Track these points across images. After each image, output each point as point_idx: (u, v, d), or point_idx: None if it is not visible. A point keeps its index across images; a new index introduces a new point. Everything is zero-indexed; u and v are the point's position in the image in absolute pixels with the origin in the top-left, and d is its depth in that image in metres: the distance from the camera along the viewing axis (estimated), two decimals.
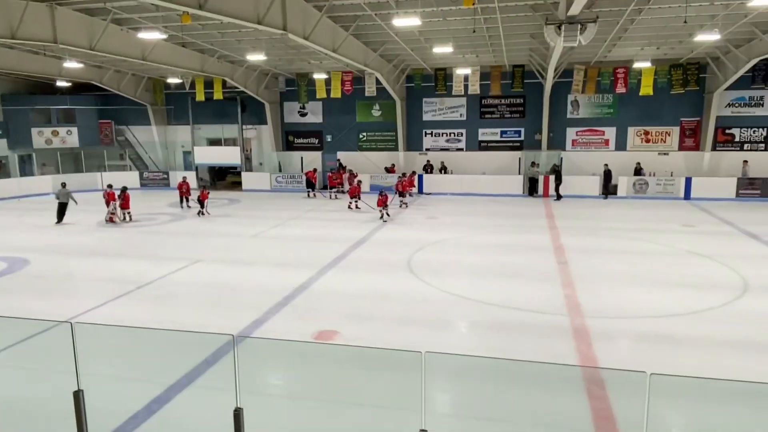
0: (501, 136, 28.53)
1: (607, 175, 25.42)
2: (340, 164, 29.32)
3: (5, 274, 13.16)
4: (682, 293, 11.19)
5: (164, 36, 18.26)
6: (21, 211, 23.12)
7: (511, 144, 28.41)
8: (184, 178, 23.59)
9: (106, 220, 19.62)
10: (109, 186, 20.25)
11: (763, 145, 25.88)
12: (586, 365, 7.87)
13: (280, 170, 30.56)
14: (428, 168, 28.72)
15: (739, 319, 9.78)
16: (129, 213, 20.13)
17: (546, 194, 25.85)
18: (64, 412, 3.95)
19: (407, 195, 23.81)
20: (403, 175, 25.28)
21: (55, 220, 19.70)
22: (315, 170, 27.44)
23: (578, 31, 12.41)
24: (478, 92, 26.69)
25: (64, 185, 20.35)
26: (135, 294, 11.42)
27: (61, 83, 27.64)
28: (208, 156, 30.22)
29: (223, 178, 32.69)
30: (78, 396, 3.72)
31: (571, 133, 27.64)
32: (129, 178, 30.08)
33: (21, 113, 29.19)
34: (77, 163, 30.60)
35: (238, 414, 3.41)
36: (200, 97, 28.80)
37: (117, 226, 19.24)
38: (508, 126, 28.36)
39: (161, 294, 11.53)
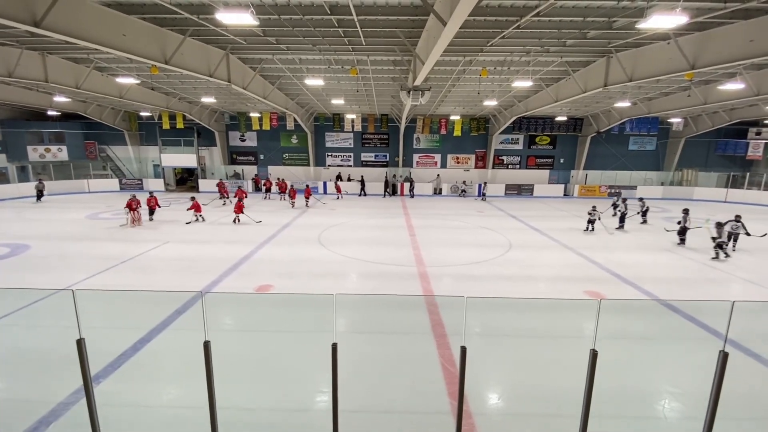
0: (375, 158, 28.95)
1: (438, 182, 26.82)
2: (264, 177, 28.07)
3: (9, 257, 11.00)
4: (477, 250, 11.94)
5: (137, 81, 16.18)
6: (19, 208, 19.33)
7: (381, 163, 28.95)
8: (151, 192, 17.28)
9: (128, 225, 15.13)
10: (133, 196, 15.53)
11: (518, 165, 28.75)
12: (426, 294, 8.21)
13: (227, 178, 28.46)
14: (339, 177, 27.90)
15: (508, 264, 10.66)
16: (150, 218, 16.14)
17: (402, 194, 26.67)
18: (69, 357, 3.46)
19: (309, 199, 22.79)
20: (307, 186, 24.48)
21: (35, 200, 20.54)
22: (222, 180, 24.29)
23: (420, 95, 12.81)
24: (360, 130, 26.86)
25: (40, 181, 21.60)
26: (119, 267, 10.14)
27: (52, 112, 23.40)
28: (172, 161, 27.01)
29: (184, 183, 29.76)
30: (80, 343, 3.28)
31: (416, 157, 28.75)
32: (111, 183, 26.49)
33: (18, 134, 24.12)
34: (67, 172, 26.05)
35: (207, 345, 3.21)
36: (166, 126, 25.87)
37: (106, 220, 16.77)
38: (379, 151, 28.83)
39: (140, 266, 10.34)
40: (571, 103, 20.99)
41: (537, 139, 28.31)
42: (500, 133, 27.38)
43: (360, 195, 25.85)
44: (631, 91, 18.71)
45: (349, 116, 25.82)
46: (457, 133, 26.78)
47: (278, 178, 25.14)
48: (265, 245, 12.50)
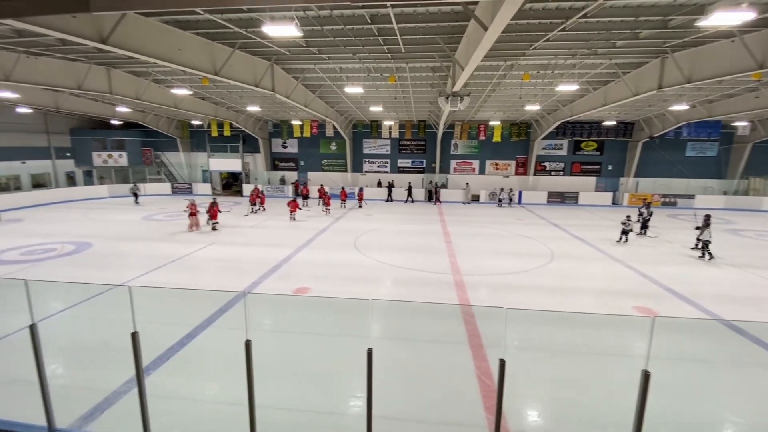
0: (412, 164, 28.91)
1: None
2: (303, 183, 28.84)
3: (74, 253, 12.10)
4: (516, 259, 11.55)
5: (190, 92, 17.25)
6: (85, 209, 21.15)
7: (417, 169, 28.87)
8: (214, 199, 16.47)
9: (188, 229, 15.30)
10: (192, 201, 15.80)
11: (562, 171, 27.62)
12: (463, 303, 8.05)
13: (268, 183, 29.56)
14: (380, 184, 27.84)
15: (549, 275, 10.22)
16: (216, 223, 15.51)
17: (438, 201, 26.44)
18: (122, 349, 3.70)
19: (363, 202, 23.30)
20: (361, 189, 24.72)
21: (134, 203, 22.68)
22: (257, 187, 24.18)
23: (459, 101, 12.67)
24: (398, 136, 27.01)
25: (135, 185, 23.87)
26: (169, 266, 10.81)
27: (115, 121, 25.56)
28: (219, 165, 28.55)
29: (230, 188, 31.23)
30: (135, 336, 3.51)
31: (453, 163, 28.42)
32: (164, 187, 28.34)
33: (84, 142, 26.54)
34: (126, 176, 28.32)
35: (248, 344, 3.32)
36: (214, 133, 27.35)
37: (159, 221, 17.93)
38: (416, 158, 28.77)
39: (187, 265, 10.97)
40: (621, 107, 19.93)
41: (583, 145, 27.09)
42: (543, 139, 26.46)
43: (387, 201, 25.91)
44: (689, 94, 17.45)
45: (387, 123, 26.04)
46: (497, 138, 26.20)
47: (321, 186, 25.55)
48: (303, 249, 12.80)
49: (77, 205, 22.79)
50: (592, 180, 27.12)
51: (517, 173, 27.95)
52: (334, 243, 13.67)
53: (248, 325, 3.30)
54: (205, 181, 29.78)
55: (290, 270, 10.52)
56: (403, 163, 28.91)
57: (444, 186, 27.22)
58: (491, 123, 25.24)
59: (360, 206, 22.76)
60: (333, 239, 14.32)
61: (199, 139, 29.85)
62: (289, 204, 18.24)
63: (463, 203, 25.68)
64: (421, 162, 28.71)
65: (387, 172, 29.11)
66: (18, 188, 22.95)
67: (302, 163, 30.00)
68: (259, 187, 26.16)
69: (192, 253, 12.12)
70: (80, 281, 8.86)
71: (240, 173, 29.07)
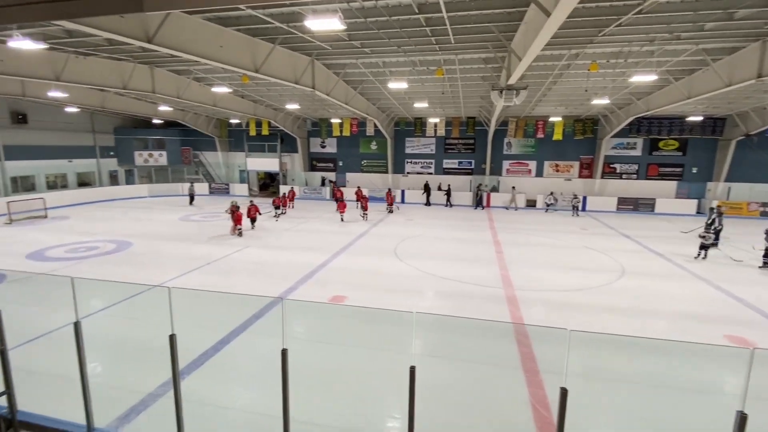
0: (458, 165, 28.55)
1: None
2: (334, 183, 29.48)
3: (115, 252, 13.17)
4: (579, 274, 11.09)
5: (229, 90, 18.19)
6: (125, 208, 22.90)
7: (465, 170, 28.47)
8: (251, 200, 17.99)
9: (236, 233, 15.66)
10: (235, 204, 16.01)
11: (635, 174, 26.09)
12: (516, 322, 7.84)
13: (306, 184, 30.43)
14: (427, 187, 27.15)
15: (619, 293, 9.69)
16: (240, 228, 15.79)
17: (488, 206, 25.85)
18: (158, 350, 3.94)
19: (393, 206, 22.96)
20: (389, 191, 24.84)
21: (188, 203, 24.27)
22: (293, 189, 25.26)
23: (514, 95, 12.37)
24: (443, 134, 26.81)
25: (192, 184, 25.62)
26: (205, 268, 11.43)
27: (156, 120, 27.54)
28: (257, 165, 29.85)
29: (267, 188, 32.48)
30: (172, 339, 3.74)
31: (506, 164, 27.73)
32: (201, 187, 30.03)
33: (127, 141, 28.93)
34: (165, 176, 30.44)
35: (284, 353, 3.41)
36: (252, 132, 28.64)
37: (197, 222, 19.01)
38: (463, 158, 28.39)
39: (223, 268, 11.55)
40: (709, 100, 18.48)
41: (661, 144, 25.40)
42: (612, 137, 25.14)
43: (426, 204, 25.78)
44: None
45: (432, 120, 25.94)
46: (557, 136, 25.23)
47: (358, 188, 25.99)
48: (340, 254, 13.03)
49: (119, 204, 24.81)
50: (672, 185, 25.33)
51: (581, 176, 26.70)
52: (372, 249, 13.79)
53: (285, 333, 3.39)
54: (242, 181, 31.27)
55: (327, 276, 10.74)
56: (449, 163, 28.63)
57: (495, 189, 26.60)
58: (551, 119, 24.35)
59: (390, 211, 22.18)
60: (371, 245, 14.46)
61: (237, 139, 31.41)
62: (337, 202, 18.89)
63: (506, 208, 25.04)
64: (470, 163, 28.29)
65: (431, 173, 28.96)
66: (64, 186, 25.36)
67: (341, 163, 30.61)
68: (295, 189, 27.01)
69: (228, 256, 12.76)
70: (121, 280, 9.57)
71: (277, 173, 30.18)
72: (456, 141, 28.10)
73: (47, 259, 12.24)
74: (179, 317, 4.03)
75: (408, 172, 29.32)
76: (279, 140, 29.64)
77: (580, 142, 26.26)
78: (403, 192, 27.41)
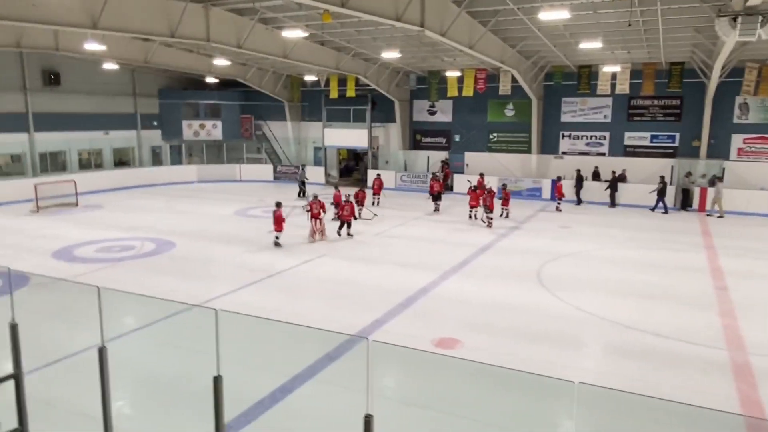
0: (651, 141, 26.45)
1: None
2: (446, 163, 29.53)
3: (154, 254, 14.81)
4: None
5: (305, 34, 19.22)
6: (168, 196, 25.60)
7: (662, 150, 26.25)
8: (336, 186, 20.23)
9: (313, 238, 16.60)
10: (315, 195, 17.13)
11: None
12: (753, 415, 7.00)
13: (405, 169, 30.94)
14: (595, 175, 26.32)
15: None
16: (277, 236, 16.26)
17: (702, 208, 23.43)
18: (202, 392, 4.20)
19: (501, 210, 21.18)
20: (481, 175, 24.21)
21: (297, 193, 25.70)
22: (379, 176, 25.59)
23: (758, 24, 11.16)
24: (627, 92, 25.06)
25: (302, 168, 28.14)
26: (264, 282, 12.24)
27: (210, 80, 30.29)
28: (337, 139, 31.20)
29: (350, 173, 33.74)
30: (218, 381, 4.04)
31: (737, 140, 24.90)
32: (264, 171, 32.30)
33: (174, 107, 32.45)
34: (219, 154, 33.39)
35: (368, 421, 3.39)
36: (333, 94, 29.98)
37: (257, 219, 20.39)
38: (660, 130, 26.22)
39: (287, 284, 12.25)
40: None
41: None
42: None
43: (577, 203, 24.75)
44: None
45: (608, 69, 24.42)
46: None
47: (480, 175, 25.30)
48: (452, 275, 12.98)
49: (161, 190, 28.01)
50: None
51: None
52: (502, 270, 13.56)
53: (370, 391, 3.36)
54: (317, 163, 32.92)
55: (431, 307, 10.75)
56: (633, 138, 26.80)
57: (718, 179, 23.88)
58: None
59: (488, 222, 19.41)
60: (501, 264, 14.23)
61: (312, 104, 33.27)
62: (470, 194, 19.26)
63: (710, 214, 22.67)
64: (670, 138, 26.12)
65: (602, 154, 27.30)
66: (99, 166, 29.37)
67: (457, 138, 30.58)
68: (387, 175, 27.49)
69: (295, 267, 13.52)
70: (157, 293, 10.63)
71: (365, 151, 31.08)
72: (648, 102, 26.22)
73: (75, 260, 14.22)
74: (228, 349, 4.27)
75: (563, 152, 28.09)
76: (369, 104, 30.57)
77: None
78: (554, 183, 26.20)
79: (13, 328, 5.09)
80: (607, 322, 10.11)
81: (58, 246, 15.57)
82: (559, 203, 23.42)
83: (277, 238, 15.97)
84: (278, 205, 15.99)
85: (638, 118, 26.59)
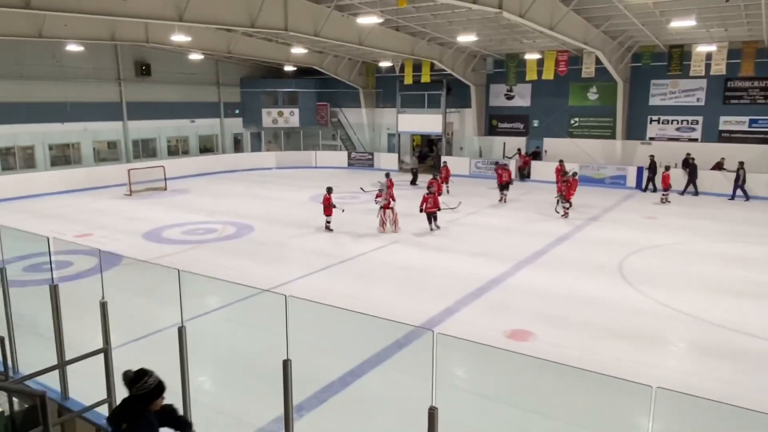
0: (749, 126, 24.61)
1: None
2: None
3: (234, 237, 15.66)
4: None
5: (380, 20, 19.23)
6: (248, 182, 26.62)
7: (762, 136, 24.35)
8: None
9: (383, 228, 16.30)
10: (387, 178, 16.95)
11: None
12: None
13: (480, 156, 30.47)
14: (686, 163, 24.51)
15: None
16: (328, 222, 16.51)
17: None
18: (274, 373, 4.33)
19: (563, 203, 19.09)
20: (570, 174, 20.55)
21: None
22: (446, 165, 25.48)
23: None
24: (724, 73, 23.41)
25: (419, 154, 29.57)
26: (336, 268, 12.57)
27: (288, 68, 31.07)
28: (411, 125, 31.35)
29: (424, 160, 33.61)
30: (287, 365, 4.14)
31: None
32: (338, 158, 32.83)
33: (254, 95, 33.64)
34: (296, 141, 34.46)
35: (432, 414, 3.37)
36: (408, 80, 29.92)
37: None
38: (760, 114, 24.31)
39: (359, 270, 12.51)
40: None
41: None
42: None
43: (683, 193, 23.29)
44: None
45: (703, 48, 22.87)
46: None
47: (559, 162, 24.36)
48: (526, 266, 12.76)
49: (242, 176, 29.29)
50: None
51: None
52: (580, 262, 13.20)
53: (435, 383, 3.34)
54: (390, 150, 33.09)
55: (503, 298, 10.66)
56: (730, 122, 25.01)
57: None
58: None
59: (564, 213, 18.51)
60: (580, 255, 13.88)
61: (386, 90, 33.41)
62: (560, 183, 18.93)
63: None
64: None
65: (695, 139, 25.70)
66: (186, 152, 30.92)
67: (535, 123, 29.76)
68: (453, 162, 27.17)
69: (367, 253, 13.79)
70: (237, 274, 11.11)
71: (439, 137, 30.89)
72: (748, 84, 24.37)
73: (163, 241, 15.22)
74: (299, 332, 4.38)
75: (652, 138, 26.70)
76: (444, 89, 30.30)
77: None
78: (640, 170, 24.88)
79: (103, 306, 5.45)
80: (693, 319, 9.64)
81: (148, 228, 16.71)
82: (665, 194, 21.63)
83: (328, 222, 16.33)
84: (329, 190, 16.27)
85: (735, 101, 24.76)
